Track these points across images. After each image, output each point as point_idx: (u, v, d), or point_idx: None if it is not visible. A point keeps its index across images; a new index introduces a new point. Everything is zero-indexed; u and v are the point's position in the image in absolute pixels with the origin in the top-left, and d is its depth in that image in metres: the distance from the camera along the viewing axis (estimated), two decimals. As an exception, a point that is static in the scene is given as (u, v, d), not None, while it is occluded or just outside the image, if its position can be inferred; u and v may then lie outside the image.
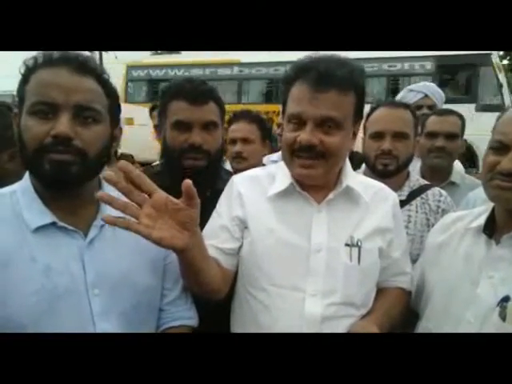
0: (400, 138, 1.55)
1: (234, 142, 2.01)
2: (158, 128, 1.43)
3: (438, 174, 1.93)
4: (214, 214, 1.17)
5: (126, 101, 10.40)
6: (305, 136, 1.00)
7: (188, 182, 0.83)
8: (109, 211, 0.96)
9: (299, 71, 1.02)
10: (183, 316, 1.08)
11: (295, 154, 1.04)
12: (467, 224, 1.11)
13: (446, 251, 1.13)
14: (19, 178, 0.96)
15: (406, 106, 1.64)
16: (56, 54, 0.89)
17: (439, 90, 2.44)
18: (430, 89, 2.41)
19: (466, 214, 1.17)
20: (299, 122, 1.01)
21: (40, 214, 0.89)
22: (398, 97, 2.50)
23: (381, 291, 1.18)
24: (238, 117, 2.08)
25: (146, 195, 0.84)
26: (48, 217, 0.89)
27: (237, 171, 1.96)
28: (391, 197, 1.19)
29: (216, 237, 1.10)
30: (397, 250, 1.17)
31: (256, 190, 1.14)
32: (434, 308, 1.10)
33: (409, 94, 2.42)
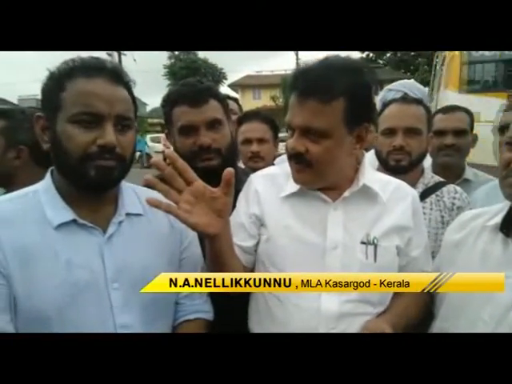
0: (412, 134, 1.53)
1: (249, 141, 2.00)
2: (168, 136, 1.45)
3: (449, 172, 1.89)
4: (234, 212, 1.20)
5: (463, 89, 6.98)
6: (290, 143, 1.04)
7: (230, 170, 0.89)
8: (127, 209, 1.01)
9: (292, 81, 1.04)
10: (199, 309, 1.11)
11: (289, 160, 1.08)
12: (484, 222, 1.08)
13: (463, 250, 1.10)
14: (30, 175, 1.02)
15: (418, 101, 1.63)
16: (89, 61, 0.93)
17: (420, 87, 2.32)
18: (408, 86, 2.29)
19: (484, 211, 1.14)
20: (291, 130, 1.04)
21: (62, 212, 0.93)
22: (378, 97, 2.36)
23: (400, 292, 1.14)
24: (249, 117, 2.09)
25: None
26: (69, 214, 0.93)
27: (254, 171, 1.98)
28: (411, 194, 1.17)
29: (235, 235, 1.12)
30: (416, 249, 1.15)
31: (272, 189, 1.16)
32: (449, 307, 1.08)
33: (388, 93, 2.31)
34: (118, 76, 0.94)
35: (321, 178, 1.06)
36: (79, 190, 0.95)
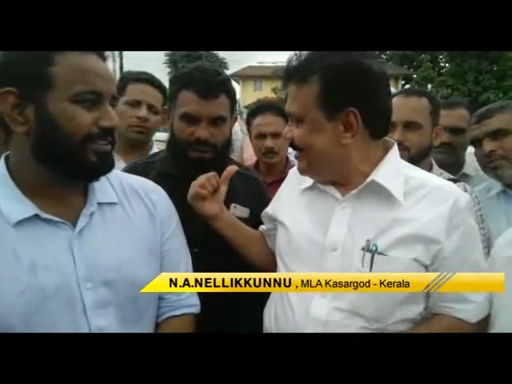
0: (412, 128, 1.48)
1: (263, 136, 1.97)
2: (167, 113, 1.41)
3: (444, 169, 1.76)
4: None
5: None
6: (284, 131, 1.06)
7: (233, 168, 1.20)
8: (98, 198, 0.92)
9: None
10: (185, 304, 1.04)
11: None
12: None
13: None
14: None
15: (421, 93, 1.57)
16: None
17: None
18: None
19: None
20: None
21: (20, 206, 0.82)
22: None
23: (431, 318, 0.99)
24: (263, 109, 2.04)
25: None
26: (30, 208, 0.82)
27: (268, 166, 2.04)
28: (452, 199, 0.95)
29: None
30: (452, 269, 0.91)
31: (296, 183, 1.15)
32: (500, 330, 0.94)
33: None
34: (105, 52, 0.87)
35: (314, 165, 1.01)
36: (83, 181, 0.88)
